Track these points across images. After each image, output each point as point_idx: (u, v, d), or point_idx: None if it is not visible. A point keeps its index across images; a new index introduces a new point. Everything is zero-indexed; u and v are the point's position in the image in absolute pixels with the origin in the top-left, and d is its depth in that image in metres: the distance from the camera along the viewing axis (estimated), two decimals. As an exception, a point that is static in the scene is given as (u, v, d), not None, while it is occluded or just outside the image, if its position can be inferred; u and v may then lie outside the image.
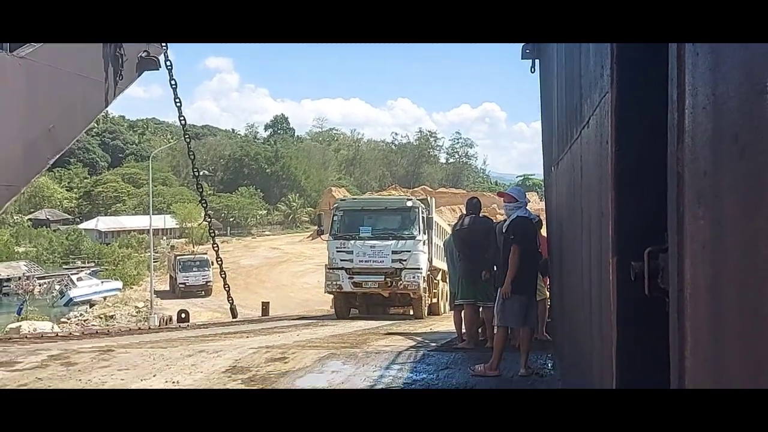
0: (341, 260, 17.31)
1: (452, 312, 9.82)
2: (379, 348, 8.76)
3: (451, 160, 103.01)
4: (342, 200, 19.93)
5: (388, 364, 7.28)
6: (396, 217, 17.86)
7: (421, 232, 17.54)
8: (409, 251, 17.17)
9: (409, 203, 17.97)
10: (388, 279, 17.10)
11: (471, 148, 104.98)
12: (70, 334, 12.96)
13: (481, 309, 8.39)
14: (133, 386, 6.11)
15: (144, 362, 7.35)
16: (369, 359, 7.55)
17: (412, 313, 18.17)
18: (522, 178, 78.22)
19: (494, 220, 9.07)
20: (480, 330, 8.82)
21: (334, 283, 17.41)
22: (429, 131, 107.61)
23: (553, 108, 7.00)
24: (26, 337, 11.42)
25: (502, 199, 7.16)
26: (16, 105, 9.48)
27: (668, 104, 1.63)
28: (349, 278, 17.23)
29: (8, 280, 51.25)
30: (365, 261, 17.16)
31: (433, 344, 9.49)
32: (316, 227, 20.63)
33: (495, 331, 7.31)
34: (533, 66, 10.22)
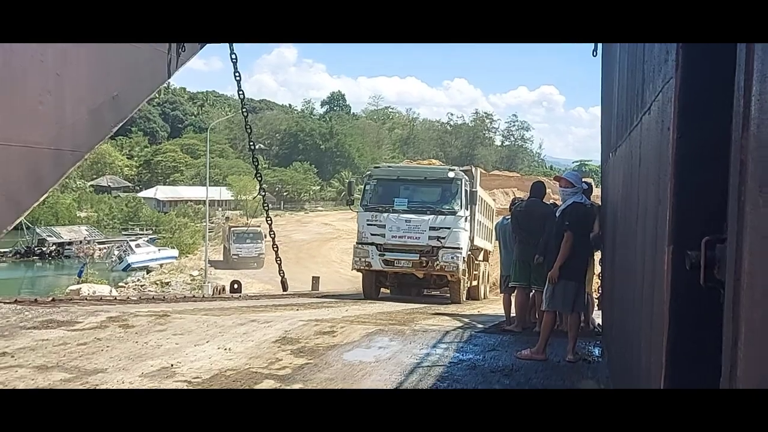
0: (372, 234, 15.57)
1: (502, 295, 9.78)
2: (426, 327, 8.81)
3: (506, 143, 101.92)
4: (376, 167, 17.72)
5: (435, 343, 7.33)
6: (436, 188, 15.91)
7: (464, 207, 15.62)
8: (449, 228, 15.36)
9: (451, 174, 15.88)
10: (423, 258, 15.34)
11: (527, 131, 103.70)
12: (128, 298, 13.39)
13: (533, 293, 8.35)
14: (187, 350, 6.30)
15: (198, 328, 7.57)
16: (416, 337, 7.61)
17: (448, 296, 16.55)
18: (578, 163, 76.74)
19: (555, 205, 8.96)
20: (530, 314, 8.78)
21: (363, 259, 15.62)
22: (485, 113, 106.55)
23: (614, 93, 6.86)
24: (86, 298, 11.86)
25: (558, 183, 7.09)
26: (82, 72, 9.81)
27: (734, 91, 1.60)
28: (379, 255, 15.49)
29: (70, 243, 53.20)
30: (399, 237, 15.39)
31: (481, 326, 9.50)
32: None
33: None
34: (595, 49, 10.00)
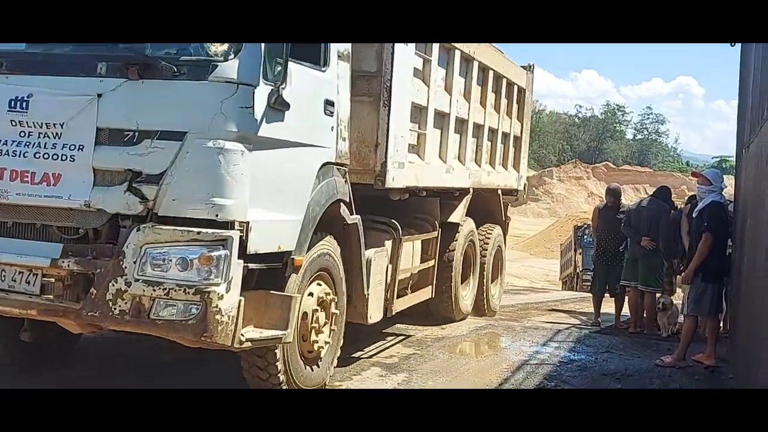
0: None
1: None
2: (539, 324, 8.62)
3: (639, 137, 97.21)
4: None
5: (546, 341, 7.17)
6: None
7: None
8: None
9: None
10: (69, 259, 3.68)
11: (662, 124, 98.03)
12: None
13: (643, 294, 7.98)
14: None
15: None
16: (526, 334, 7.48)
17: None
18: (718, 159, 72.05)
19: (674, 204, 8.50)
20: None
21: None
22: (616, 105, 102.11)
23: (748, 85, 6.46)
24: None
25: (695, 180, 6.79)
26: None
27: None
28: None
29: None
30: None
31: (597, 327, 9.17)
32: None
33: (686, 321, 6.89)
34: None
